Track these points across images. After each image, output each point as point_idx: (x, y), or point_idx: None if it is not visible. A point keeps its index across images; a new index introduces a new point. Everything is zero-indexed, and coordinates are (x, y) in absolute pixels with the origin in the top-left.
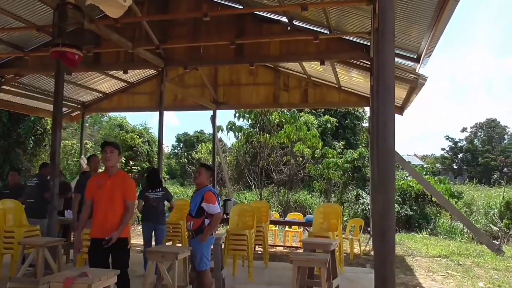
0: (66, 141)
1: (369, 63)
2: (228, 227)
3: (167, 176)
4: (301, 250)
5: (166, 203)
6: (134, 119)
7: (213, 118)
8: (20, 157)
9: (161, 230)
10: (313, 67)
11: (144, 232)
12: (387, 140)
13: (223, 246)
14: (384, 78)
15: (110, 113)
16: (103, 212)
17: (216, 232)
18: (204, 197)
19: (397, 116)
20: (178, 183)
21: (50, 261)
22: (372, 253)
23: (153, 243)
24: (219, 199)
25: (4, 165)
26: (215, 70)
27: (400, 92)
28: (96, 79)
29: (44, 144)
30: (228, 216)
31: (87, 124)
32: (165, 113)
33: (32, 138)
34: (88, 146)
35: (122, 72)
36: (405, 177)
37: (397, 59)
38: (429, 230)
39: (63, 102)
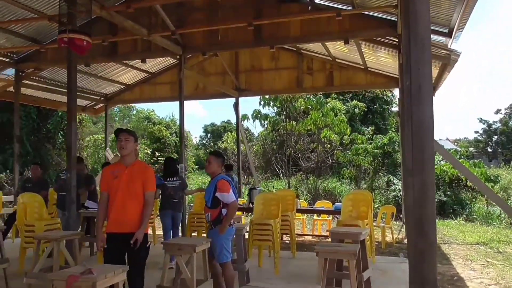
0: (97, 135)
1: (397, 40)
2: (252, 216)
3: (196, 167)
4: (330, 240)
5: None
6: (161, 111)
7: (236, 105)
8: (50, 152)
9: (177, 216)
10: (338, 48)
11: (163, 220)
12: (423, 106)
13: (246, 237)
14: (417, 30)
15: (138, 106)
16: (120, 205)
17: (238, 222)
18: (217, 186)
19: None
20: (207, 174)
21: (67, 255)
22: (405, 241)
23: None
24: (234, 186)
25: (35, 160)
26: (236, 56)
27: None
28: (117, 70)
29: None
30: (253, 205)
31: (117, 118)
32: (192, 104)
33: (61, 133)
34: None
35: (140, 62)
36: (438, 162)
37: None
38: (464, 216)
39: (86, 95)
